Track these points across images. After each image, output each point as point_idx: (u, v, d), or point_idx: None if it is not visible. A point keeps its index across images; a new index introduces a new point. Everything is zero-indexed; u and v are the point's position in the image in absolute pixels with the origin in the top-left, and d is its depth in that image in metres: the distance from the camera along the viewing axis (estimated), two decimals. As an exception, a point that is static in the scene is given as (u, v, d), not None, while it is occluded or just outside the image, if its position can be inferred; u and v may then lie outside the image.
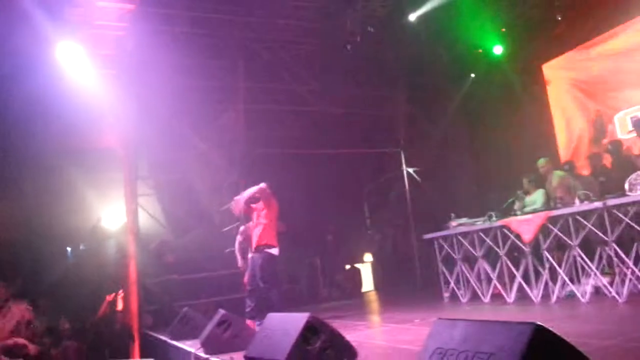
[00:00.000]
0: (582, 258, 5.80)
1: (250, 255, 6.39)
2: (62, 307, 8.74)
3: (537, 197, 7.04)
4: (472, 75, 11.01)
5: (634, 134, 7.80)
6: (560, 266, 6.00)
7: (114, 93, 9.07)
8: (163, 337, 6.80)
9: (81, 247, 11.27)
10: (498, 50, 10.18)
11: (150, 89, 9.48)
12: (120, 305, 9.21)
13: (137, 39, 9.22)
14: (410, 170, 10.92)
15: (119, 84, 9.18)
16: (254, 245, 6.18)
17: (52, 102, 8.91)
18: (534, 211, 6.38)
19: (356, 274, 12.01)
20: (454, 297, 7.33)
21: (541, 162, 7.32)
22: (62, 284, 9.72)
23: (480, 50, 10.54)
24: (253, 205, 6.34)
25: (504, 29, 10.05)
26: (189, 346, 5.48)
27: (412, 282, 10.96)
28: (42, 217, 10.43)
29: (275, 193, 10.24)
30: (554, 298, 5.98)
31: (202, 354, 4.78)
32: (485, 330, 2.32)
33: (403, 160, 11.32)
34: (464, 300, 7.13)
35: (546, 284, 6.14)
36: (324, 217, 11.74)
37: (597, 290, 5.80)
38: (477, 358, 2.20)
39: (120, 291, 9.31)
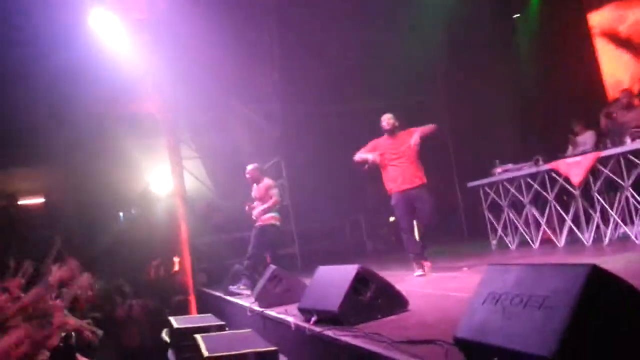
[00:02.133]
0: (635, 198, 5.63)
1: (398, 193, 5.89)
2: (117, 270, 9.17)
3: (586, 138, 6.81)
4: (516, 15, 10.53)
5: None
6: (612, 208, 5.86)
7: (149, 58, 9.18)
8: (217, 293, 7.07)
9: (132, 211, 11.70)
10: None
11: (184, 51, 9.51)
12: (177, 267, 9.59)
13: (169, 2, 9.21)
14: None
15: (154, 49, 9.25)
16: (414, 182, 5.83)
17: (91, 70, 9.07)
18: (584, 152, 6.20)
19: (397, 223, 12.03)
20: (501, 244, 7.28)
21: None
22: (115, 248, 10.18)
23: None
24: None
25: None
26: (244, 301, 5.69)
27: (458, 231, 10.92)
28: (92, 183, 10.84)
29: (314, 151, 10.30)
30: (606, 240, 5.87)
31: (257, 308, 4.96)
32: (539, 273, 2.31)
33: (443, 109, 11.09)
34: (512, 247, 7.08)
35: (598, 227, 6.02)
36: (364, 173, 11.73)
37: (652, 231, 5.65)
38: (531, 301, 2.20)
39: (175, 256, 9.67)
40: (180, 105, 9.61)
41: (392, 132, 5.96)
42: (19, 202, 11.37)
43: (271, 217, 6.73)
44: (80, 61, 9.00)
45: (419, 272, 5.77)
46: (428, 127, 5.99)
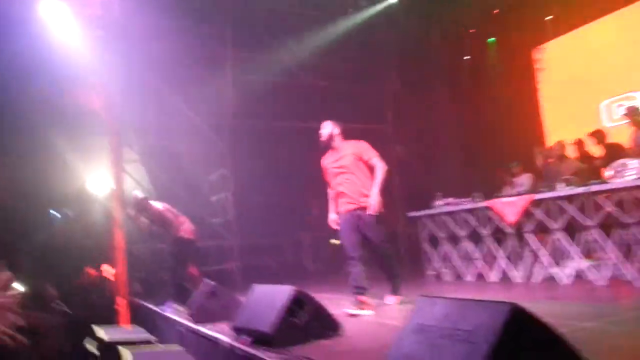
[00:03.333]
0: (564, 241, 5.94)
1: (343, 214, 5.22)
2: (47, 272, 8.74)
3: (523, 180, 7.14)
4: (467, 57, 11.04)
5: (623, 121, 7.89)
6: (541, 248, 6.15)
7: (99, 54, 8.93)
8: (151, 306, 6.87)
9: (67, 212, 11.23)
10: (490, 38, 10.32)
11: (137, 53, 9.34)
12: (111, 273, 9.24)
13: (124, 0, 9.08)
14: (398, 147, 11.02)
15: (105, 46, 9.01)
16: (360, 201, 5.07)
17: (35, 60, 8.76)
18: (519, 194, 6.50)
19: (342, 249, 12.12)
20: (437, 275, 7.47)
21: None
22: (47, 249, 9.72)
23: (473, 31, 10.57)
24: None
25: (497, 11, 10.07)
26: (176, 316, 5.56)
27: (397, 260, 11.11)
28: (26, 177, 10.35)
29: (261, 166, 10.29)
30: (535, 279, 6.14)
31: (190, 324, 4.86)
32: (464, 308, 2.40)
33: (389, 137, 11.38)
34: (447, 279, 7.27)
35: (528, 266, 6.30)
36: (310, 192, 11.81)
37: (578, 274, 5.96)
38: (455, 335, 2.29)
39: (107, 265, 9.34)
40: (127, 107, 9.38)
41: (329, 143, 5.23)
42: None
43: (182, 231, 6.65)
44: (25, 50, 8.67)
45: (353, 309, 4.83)
46: (382, 173, 5.09)
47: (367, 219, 5.00)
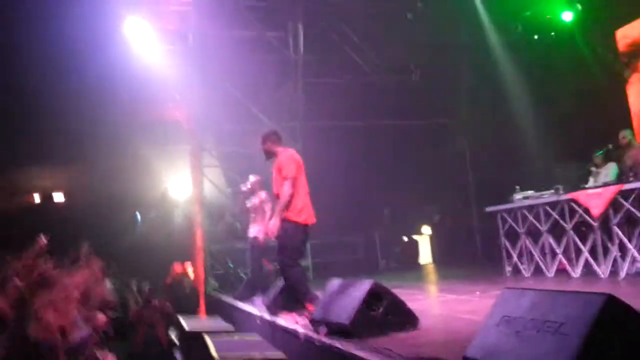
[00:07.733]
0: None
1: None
2: (133, 271, 9.27)
3: (608, 171, 6.76)
4: (535, 36, 10.51)
5: None
6: (630, 242, 5.79)
7: (178, 67, 9.45)
8: (228, 300, 7.10)
9: (151, 215, 11.85)
10: (568, 16, 9.66)
11: (212, 62, 9.74)
12: (191, 274, 9.66)
13: (199, 14, 9.46)
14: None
15: (183, 58, 9.53)
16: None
17: (121, 75, 9.36)
18: (605, 184, 6.15)
19: (413, 245, 12.00)
20: (516, 271, 7.21)
21: (625, 132, 6.96)
22: (133, 249, 10.31)
23: (549, 17, 10.07)
24: None
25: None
26: (253, 309, 5.72)
27: (472, 256, 10.84)
28: (114, 184, 11.05)
29: (333, 166, 10.38)
30: (622, 274, 5.79)
31: (267, 316, 4.98)
32: (554, 299, 2.31)
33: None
34: (527, 274, 7.01)
35: (615, 260, 5.94)
36: (382, 189, 11.77)
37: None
38: (545, 327, 2.20)
39: (189, 263, 9.75)
40: (206, 115, 9.81)
41: (268, 158, 5.12)
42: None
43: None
44: (113, 68, 9.33)
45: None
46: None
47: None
